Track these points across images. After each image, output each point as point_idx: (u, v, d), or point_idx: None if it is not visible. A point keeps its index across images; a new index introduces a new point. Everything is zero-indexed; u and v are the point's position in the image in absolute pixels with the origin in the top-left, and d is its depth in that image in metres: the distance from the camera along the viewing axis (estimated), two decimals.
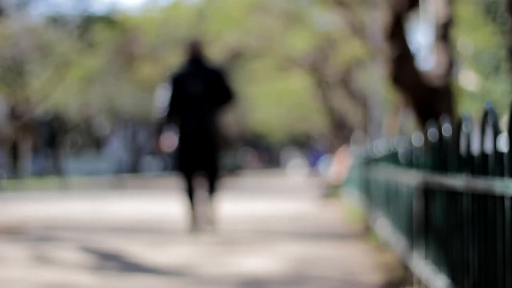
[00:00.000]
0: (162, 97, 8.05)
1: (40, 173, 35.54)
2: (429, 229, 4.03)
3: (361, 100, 23.29)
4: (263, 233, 8.01)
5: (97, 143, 45.59)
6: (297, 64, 24.71)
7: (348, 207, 11.57)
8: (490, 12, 16.76)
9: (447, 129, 3.51)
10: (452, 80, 9.10)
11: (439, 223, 3.69)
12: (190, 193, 7.94)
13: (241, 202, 13.74)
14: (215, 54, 25.87)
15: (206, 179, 7.98)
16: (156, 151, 6.97)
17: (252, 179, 35.24)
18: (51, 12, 27.61)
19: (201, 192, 8.03)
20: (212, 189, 7.97)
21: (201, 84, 7.89)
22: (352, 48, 20.88)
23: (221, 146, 8.15)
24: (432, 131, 3.95)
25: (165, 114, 7.94)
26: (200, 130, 7.92)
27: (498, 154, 2.56)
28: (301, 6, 23.60)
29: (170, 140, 8.05)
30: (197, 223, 7.92)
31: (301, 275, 5.10)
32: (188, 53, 8.05)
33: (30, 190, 21.81)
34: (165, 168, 46.21)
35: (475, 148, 2.93)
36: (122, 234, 7.96)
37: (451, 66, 9.01)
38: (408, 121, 19.05)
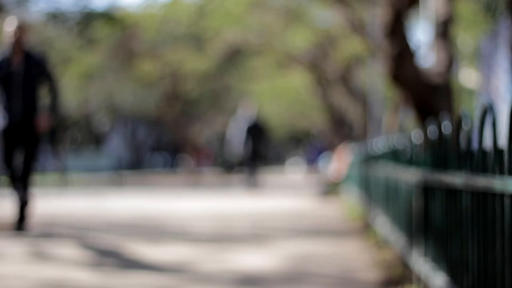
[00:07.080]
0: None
1: (39, 170, 35.50)
2: (428, 226, 4.02)
3: (360, 97, 23.27)
4: (262, 230, 8.01)
5: (97, 140, 45.58)
6: (297, 61, 24.69)
7: (347, 205, 11.56)
8: (490, 9, 16.75)
9: (446, 126, 3.50)
10: (452, 78, 9.10)
11: (439, 220, 3.69)
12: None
13: (239, 199, 13.74)
14: (214, 51, 25.88)
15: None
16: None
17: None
18: (51, 8, 27.57)
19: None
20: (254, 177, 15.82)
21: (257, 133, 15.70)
22: (352, 46, 20.86)
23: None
24: (431, 129, 3.94)
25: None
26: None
27: (498, 151, 2.55)
28: (301, 3, 23.58)
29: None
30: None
31: (300, 272, 5.10)
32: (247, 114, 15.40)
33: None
34: (164, 165, 46.19)
35: (475, 146, 2.92)
36: (121, 231, 7.96)
37: (451, 63, 9.01)
38: (407, 118, 19.04)
